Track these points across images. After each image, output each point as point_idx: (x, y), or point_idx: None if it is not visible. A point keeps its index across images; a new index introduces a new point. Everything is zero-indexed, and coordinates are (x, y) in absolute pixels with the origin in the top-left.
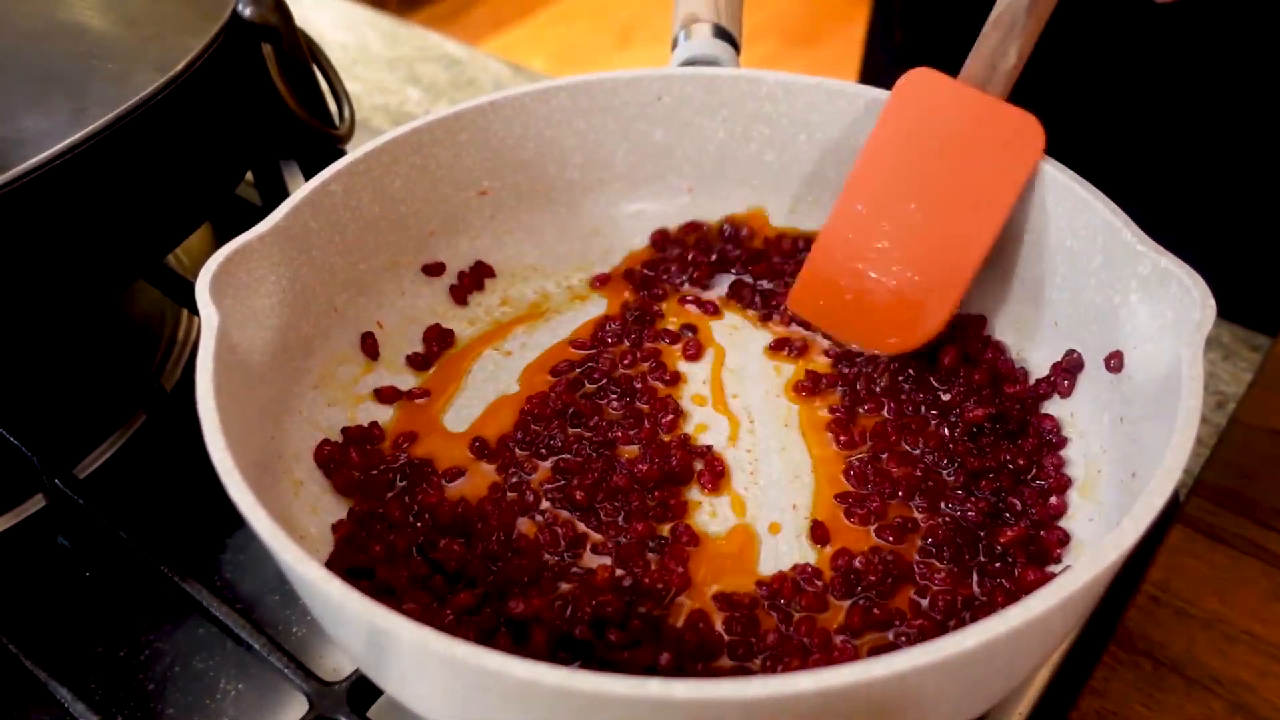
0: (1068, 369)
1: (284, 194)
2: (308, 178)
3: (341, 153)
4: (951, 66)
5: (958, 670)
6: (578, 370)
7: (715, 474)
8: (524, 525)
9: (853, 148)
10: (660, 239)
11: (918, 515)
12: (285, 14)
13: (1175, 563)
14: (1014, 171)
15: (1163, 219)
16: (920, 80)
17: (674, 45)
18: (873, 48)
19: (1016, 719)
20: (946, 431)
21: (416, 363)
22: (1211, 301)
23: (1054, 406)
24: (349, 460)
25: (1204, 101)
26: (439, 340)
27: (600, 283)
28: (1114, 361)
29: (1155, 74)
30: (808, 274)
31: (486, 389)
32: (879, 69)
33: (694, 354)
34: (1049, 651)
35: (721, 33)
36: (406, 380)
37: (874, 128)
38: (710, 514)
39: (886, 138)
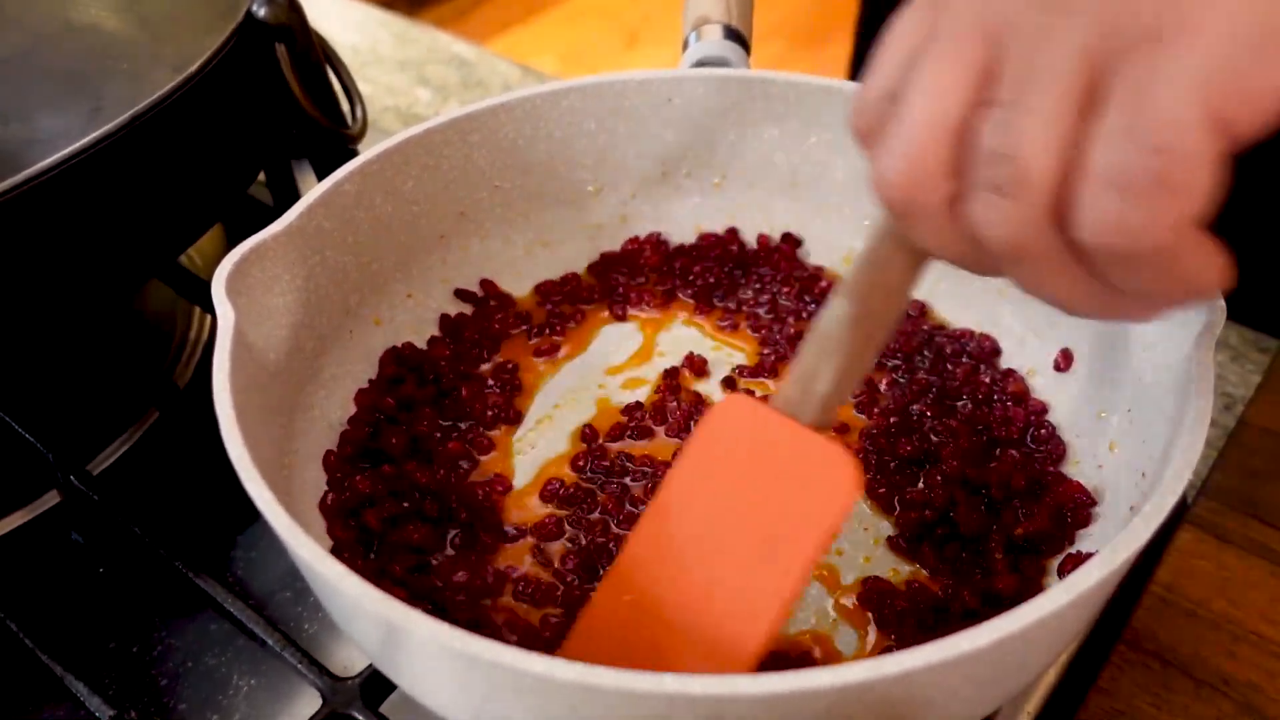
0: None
1: (296, 194)
2: (320, 178)
3: (354, 153)
4: None
5: (970, 668)
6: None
7: None
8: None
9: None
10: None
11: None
12: (299, 14)
13: (1184, 564)
14: (817, 516)
15: None
16: (735, 407)
17: (685, 46)
18: (863, 48)
19: (1025, 718)
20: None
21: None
22: (1222, 303)
23: (1062, 408)
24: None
25: None
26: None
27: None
28: (1062, 363)
29: None
30: (590, 620)
31: None
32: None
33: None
34: (1059, 650)
35: (732, 34)
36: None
37: (680, 457)
38: None
39: (690, 469)
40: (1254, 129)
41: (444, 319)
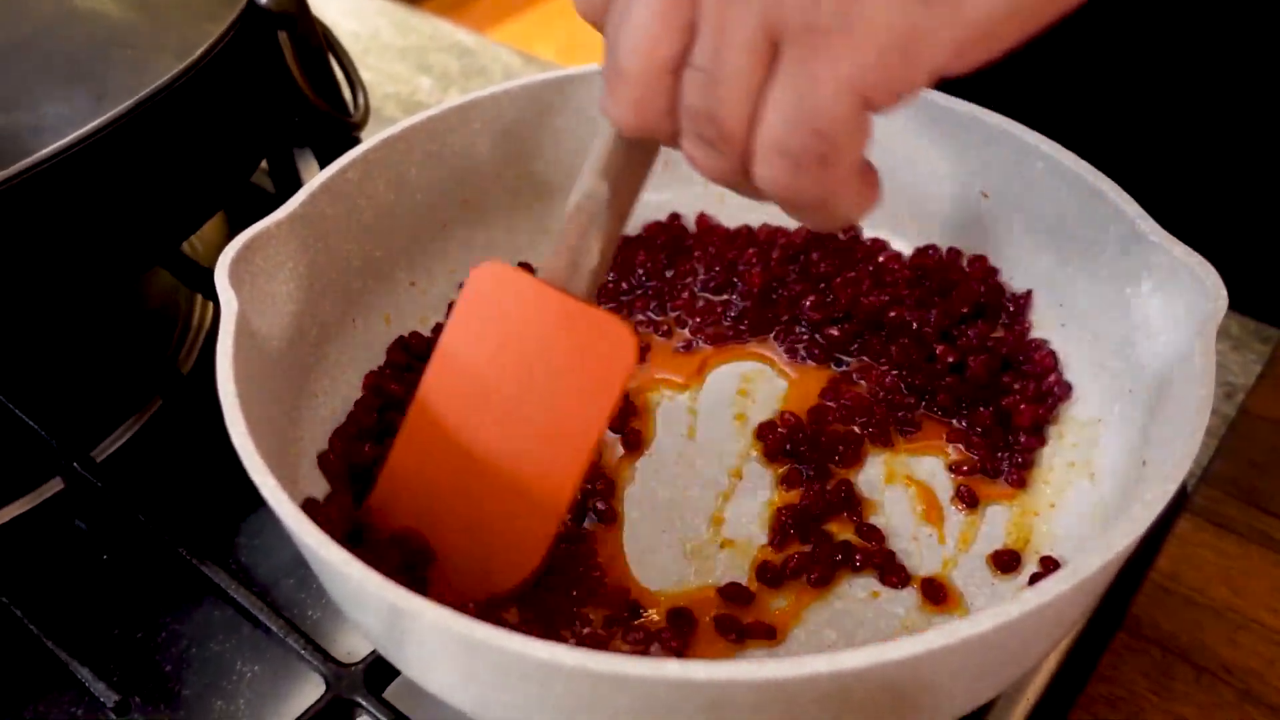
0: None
1: (298, 182)
2: (322, 166)
3: (356, 140)
4: None
5: (971, 654)
6: None
7: None
8: None
9: None
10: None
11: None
12: (301, 1)
13: (1184, 552)
14: (600, 384)
15: (1174, 210)
16: (492, 275)
17: None
18: None
19: (1026, 704)
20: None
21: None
22: (1224, 292)
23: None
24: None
25: (1216, 91)
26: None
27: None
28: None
29: (1167, 63)
30: (376, 504)
31: None
32: None
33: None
34: (1060, 637)
35: None
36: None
37: (444, 330)
38: None
39: (456, 341)
40: (896, 107)
41: (451, 307)
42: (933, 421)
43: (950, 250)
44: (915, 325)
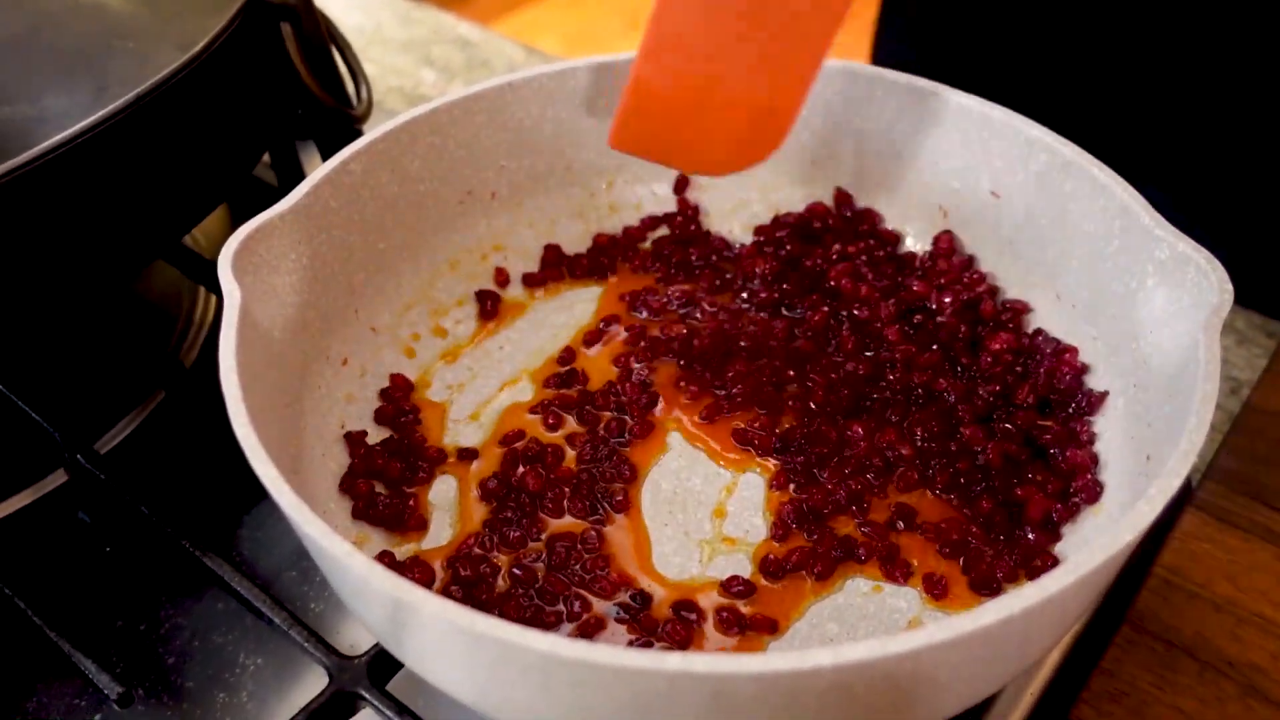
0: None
1: (300, 175)
2: (325, 159)
3: (359, 133)
4: (968, 43)
5: (973, 647)
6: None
7: None
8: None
9: (869, 130)
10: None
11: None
12: None
13: (1188, 547)
14: None
15: (1179, 204)
16: None
17: None
18: (887, 20)
19: (1029, 698)
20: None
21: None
22: (1229, 286)
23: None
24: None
25: (1222, 86)
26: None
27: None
28: None
29: (1173, 57)
30: (631, 104)
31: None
32: (894, 42)
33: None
34: (1063, 631)
35: None
36: (416, 365)
37: None
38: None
39: None
40: None
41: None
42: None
43: (1009, 304)
44: (953, 399)
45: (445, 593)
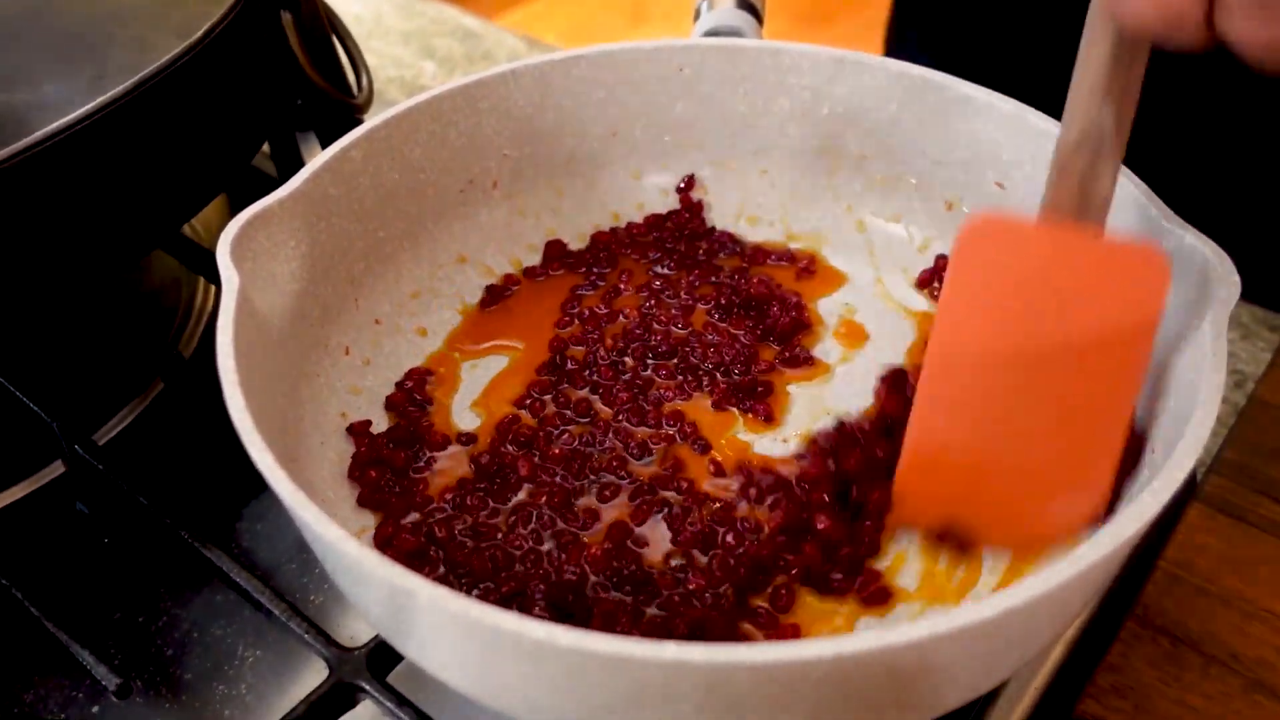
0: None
1: (300, 165)
2: (325, 148)
3: (359, 123)
4: (978, 37)
5: (975, 640)
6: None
7: None
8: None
9: (876, 122)
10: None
11: None
12: None
13: (1194, 541)
14: (1137, 308)
15: (1185, 197)
16: (987, 229)
17: (696, 16)
18: (898, 32)
19: (1033, 693)
20: None
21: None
22: (1236, 278)
23: None
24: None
25: (1230, 80)
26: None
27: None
28: None
29: (1175, 56)
30: (909, 480)
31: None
32: (905, 36)
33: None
34: (1066, 624)
35: (744, 3)
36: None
37: (942, 294)
38: None
39: (962, 305)
40: None
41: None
42: None
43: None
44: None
45: (475, 462)
